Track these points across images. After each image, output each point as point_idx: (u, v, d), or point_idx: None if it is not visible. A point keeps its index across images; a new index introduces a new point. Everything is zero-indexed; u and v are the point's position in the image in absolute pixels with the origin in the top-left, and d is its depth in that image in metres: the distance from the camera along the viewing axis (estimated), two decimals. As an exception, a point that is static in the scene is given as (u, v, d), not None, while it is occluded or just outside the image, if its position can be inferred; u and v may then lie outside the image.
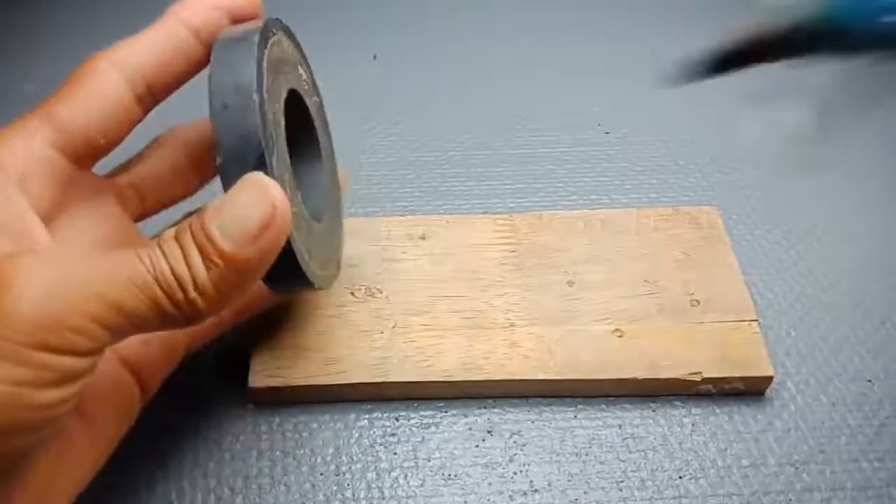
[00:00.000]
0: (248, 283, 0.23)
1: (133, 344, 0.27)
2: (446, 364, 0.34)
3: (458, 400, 0.34)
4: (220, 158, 0.24)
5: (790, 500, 0.31)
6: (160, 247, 0.22)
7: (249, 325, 0.36)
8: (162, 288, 0.22)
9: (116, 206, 0.28)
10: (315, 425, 0.33)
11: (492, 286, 0.37)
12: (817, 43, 0.26)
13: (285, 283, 0.27)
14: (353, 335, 0.35)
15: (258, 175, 0.23)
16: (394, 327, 0.35)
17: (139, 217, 0.30)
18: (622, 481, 0.32)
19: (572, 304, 0.36)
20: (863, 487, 0.32)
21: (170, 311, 0.22)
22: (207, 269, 0.22)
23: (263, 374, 0.33)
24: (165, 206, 0.30)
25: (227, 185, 0.24)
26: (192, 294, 0.22)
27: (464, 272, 0.37)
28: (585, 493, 0.31)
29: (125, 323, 0.22)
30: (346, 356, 0.34)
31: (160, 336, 0.28)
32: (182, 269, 0.22)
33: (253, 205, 0.23)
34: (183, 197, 0.31)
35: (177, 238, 0.23)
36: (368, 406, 0.34)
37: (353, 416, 0.34)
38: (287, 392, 0.33)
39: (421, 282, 0.37)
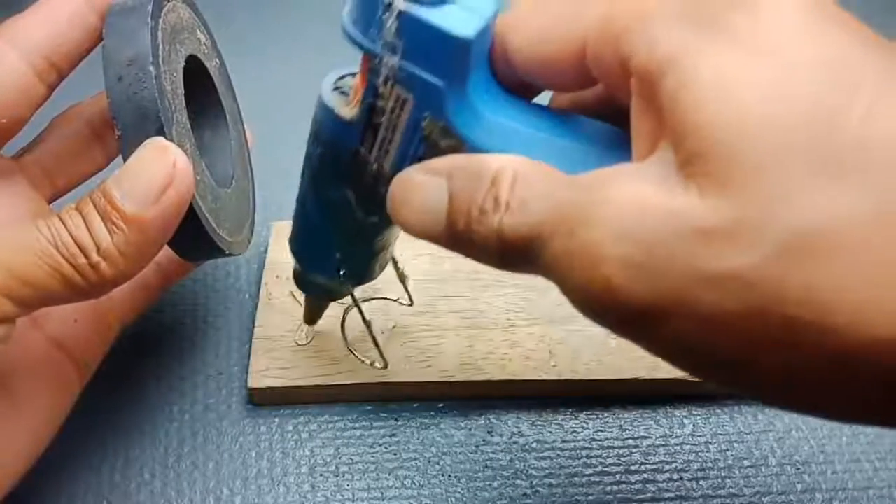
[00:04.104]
0: (153, 247, 0.23)
1: (61, 322, 0.28)
2: (446, 364, 0.34)
3: (458, 400, 0.34)
4: (119, 131, 0.24)
5: (791, 500, 0.31)
6: (60, 216, 0.23)
7: (249, 325, 0.36)
8: (63, 255, 0.22)
9: (27, 187, 0.28)
10: (315, 425, 0.33)
11: (492, 286, 0.37)
12: None
13: (196, 251, 0.27)
14: (354, 335, 0.34)
15: (157, 138, 0.23)
16: (394, 327, 0.35)
17: (52, 197, 0.29)
18: (623, 482, 0.32)
19: (573, 304, 0.36)
20: (864, 488, 0.32)
21: (75, 279, 0.22)
22: (111, 233, 0.22)
23: (263, 374, 0.33)
24: (76, 184, 0.30)
25: (126, 158, 0.24)
26: (96, 258, 0.22)
27: (464, 272, 0.37)
28: (586, 493, 0.31)
29: (31, 293, 0.22)
30: (346, 356, 0.34)
31: (88, 312, 0.29)
32: (83, 234, 0.22)
33: (153, 166, 0.23)
34: (92, 173, 0.31)
35: (77, 206, 0.23)
36: (368, 406, 0.34)
37: (353, 416, 0.33)
38: (287, 392, 0.33)
39: (421, 282, 0.36)
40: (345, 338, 0.34)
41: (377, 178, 0.23)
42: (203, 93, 0.31)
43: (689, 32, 0.17)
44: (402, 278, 0.34)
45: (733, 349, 0.16)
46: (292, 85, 0.48)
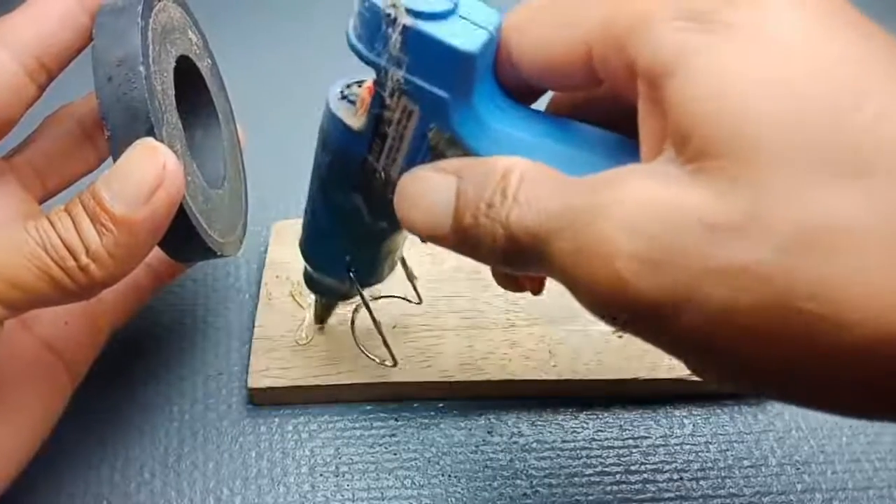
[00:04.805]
0: (143, 248, 0.23)
1: (51, 324, 0.28)
2: (446, 364, 0.34)
3: (458, 400, 0.34)
4: (109, 132, 0.24)
5: (791, 500, 0.31)
6: (49, 217, 0.22)
7: (249, 325, 0.36)
8: (51, 257, 0.22)
9: (17, 187, 0.28)
10: (315, 425, 0.33)
11: (492, 286, 0.36)
12: None
13: (187, 252, 0.27)
14: (360, 333, 0.34)
15: (147, 139, 0.23)
16: (394, 327, 0.35)
17: (43, 198, 0.29)
18: (623, 482, 0.32)
19: (573, 304, 0.35)
20: (864, 488, 0.32)
21: (64, 281, 0.22)
22: (100, 234, 0.22)
23: (263, 374, 0.33)
24: (67, 184, 0.30)
25: (116, 158, 0.23)
26: (85, 260, 0.22)
27: (464, 272, 0.37)
28: (586, 493, 0.31)
29: (20, 296, 0.22)
30: (346, 356, 0.34)
31: (79, 314, 0.28)
32: (72, 236, 0.22)
33: (142, 167, 0.23)
34: (84, 173, 0.30)
35: (66, 208, 0.23)
36: (368, 406, 0.34)
37: (353, 416, 0.33)
38: (287, 392, 0.33)
39: (421, 281, 0.36)
40: (355, 337, 0.34)
41: (385, 185, 0.23)
42: (194, 93, 0.31)
43: (692, 32, 0.17)
44: (411, 278, 0.34)
45: (744, 344, 0.16)
46: (288, 85, 0.48)
